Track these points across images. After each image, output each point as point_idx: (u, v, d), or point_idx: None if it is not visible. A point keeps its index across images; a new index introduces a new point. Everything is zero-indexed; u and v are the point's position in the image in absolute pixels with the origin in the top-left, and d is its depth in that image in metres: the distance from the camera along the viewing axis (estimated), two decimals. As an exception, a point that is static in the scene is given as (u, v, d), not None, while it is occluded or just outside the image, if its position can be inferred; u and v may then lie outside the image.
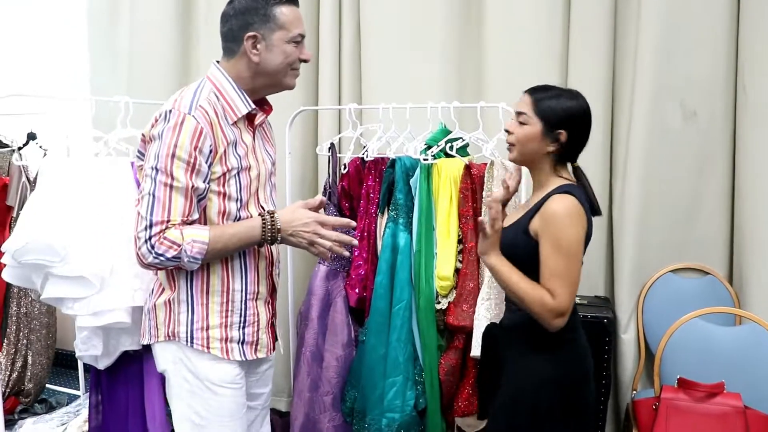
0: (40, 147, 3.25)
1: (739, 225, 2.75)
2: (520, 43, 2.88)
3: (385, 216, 2.58)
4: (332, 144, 2.80)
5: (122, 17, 3.62)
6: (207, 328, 1.84)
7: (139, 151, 1.87)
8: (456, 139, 2.58)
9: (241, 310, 1.88)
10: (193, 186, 1.70)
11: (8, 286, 3.28)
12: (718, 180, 2.78)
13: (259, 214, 1.82)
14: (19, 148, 3.25)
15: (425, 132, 2.61)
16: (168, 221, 1.68)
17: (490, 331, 2.08)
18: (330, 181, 2.76)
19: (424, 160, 2.49)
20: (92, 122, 2.79)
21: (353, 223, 1.88)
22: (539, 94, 1.85)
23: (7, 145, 3.37)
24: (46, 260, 2.35)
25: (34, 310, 3.41)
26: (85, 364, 3.38)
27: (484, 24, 2.97)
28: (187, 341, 1.84)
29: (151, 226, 1.68)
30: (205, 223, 1.79)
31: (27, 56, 4.23)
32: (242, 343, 1.88)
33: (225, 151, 1.77)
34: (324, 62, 3.20)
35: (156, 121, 1.76)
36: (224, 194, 1.79)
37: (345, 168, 2.74)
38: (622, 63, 2.83)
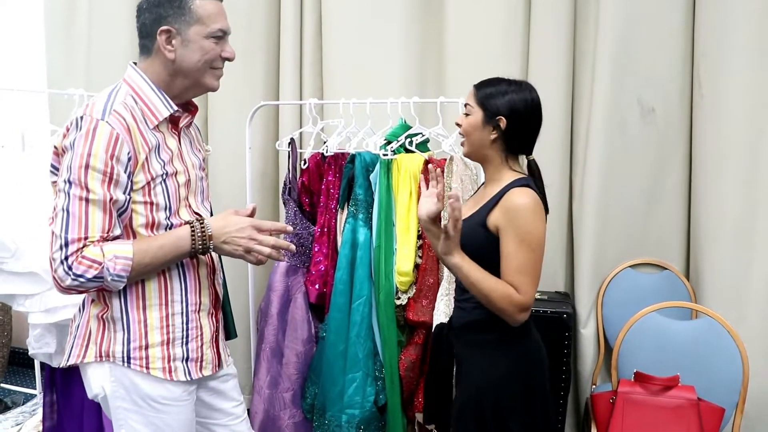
0: (-6, 140, 3.18)
1: (695, 221, 2.79)
2: (480, 39, 2.90)
3: (345, 211, 2.57)
4: (292, 139, 2.78)
5: (80, 8, 3.55)
6: (146, 347, 1.66)
7: (52, 165, 1.67)
8: (416, 135, 2.57)
9: (182, 324, 1.71)
10: (111, 198, 1.53)
11: (-39, 283, 3.21)
12: (676, 176, 2.82)
13: (187, 222, 1.66)
14: (-27, 142, 3.17)
15: (385, 127, 2.61)
16: (86, 238, 1.52)
17: (440, 331, 2.06)
18: (290, 176, 2.74)
19: (384, 155, 2.48)
20: (49, 116, 2.74)
21: (290, 228, 1.76)
22: (482, 85, 1.87)
23: (-40, 139, 3.30)
24: (-3, 256, 2.31)
25: (-12, 307, 3.34)
26: (41, 363, 3.31)
27: (444, 20, 2.98)
28: (123, 361, 1.66)
29: (66, 244, 1.51)
30: (134, 238, 1.63)
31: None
32: (186, 361, 1.72)
33: (147, 158, 1.61)
34: (285, 57, 3.18)
35: (67, 130, 1.58)
36: (151, 204, 1.62)
37: (305, 163, 2.72)
38: (582, 60, 2.86)
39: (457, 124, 1.91)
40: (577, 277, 2.93)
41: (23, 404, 3.46)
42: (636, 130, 2.79)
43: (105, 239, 1.55)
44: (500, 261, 1.75)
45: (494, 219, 1.78)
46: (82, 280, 1.51)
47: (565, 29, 2.81)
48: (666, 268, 2.86)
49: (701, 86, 2.69)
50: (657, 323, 2.45)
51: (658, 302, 2.48)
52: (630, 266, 2.89)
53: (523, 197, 1.75)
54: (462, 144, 1.91)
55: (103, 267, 1.52)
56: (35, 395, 3.56)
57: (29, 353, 2.51)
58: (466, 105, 1.88)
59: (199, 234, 1.63)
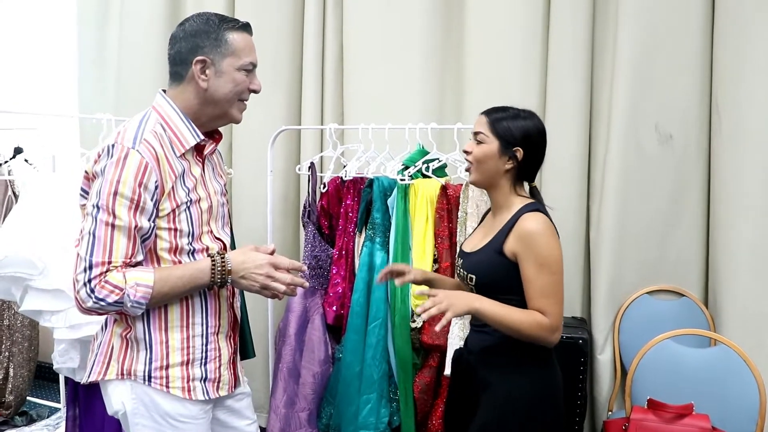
0: (26, 161, 3.29)
1: (714, 247, 2.78)
2: (498, 66, 2.93)
3: (363, 235, 2.61)
4: (312, 163, 2.84)
5: (111, 36, 3.68)
6: (167, 367, 1.72)
7: (82, 189, 1.73)
8: (433, 160, 2.62)
9: (202, 345, 1.77)
10: (136, 225, 1.59)
11: (-8, 298, 3.31)
12: (694, 203, 2.82)
13: (209, 255, 1.71)
14: (6, 162, 3.28)
15: (404, 152, 2.65)
16: (109, 263, 1.57)
17: (459, 356, 2.06)
18: (309, 199, 2.79)
19: (401, 180, 2.53)
20: (80, 139, 2.83)
21: (304, 267, 1.81)
22: (495, 114, 1.88)
23: (-7, 160, 3.42)
24: (25, 273, 2.39)
25: (17, 322, 3.43)
26: (65, 378, 3.39)
27: (463, 48, 3.03)
28: (144, 380, 1.71)
29: (90, 267, 1.56)
30: (157, 261, 1.69)
31: (19, 73, 4.27)
32: (205, 381, 1.77)
33: (173, 186, 1.66)
34: (307, 82, 3.25)
35: (99, 156, 1.63)
36: (175, 230, 1.68)
37: (325, 187, 2.77)
38: (600, 87, 2.88)
39: (466, 152, 1.92)
40: (593, 303, 2.92)
41: (48, 417, 3.54)
42: (654, 155, 2.80)
43: (128, 265, 1.60)
44: (523, 287, 1.79)
45: (511, 246, 1.81)
46: (103, 303, 1.57)
47: (583, 55, 2.83)
48: (684, 295, 2.85)
49: (719, 112, 2.69)
50: (672, 350, 2.45)
51: (675, 329, 2.48)
52: (647, 292, 2.88)
53: (536, 222, 1.79)
54: (468, 170, 1.93)
55: (124, 293, 1.57)
56: (59, 409, 3.64)
57: (54, 367, 2.58)
58: (478, 133, 1.88)
59: (219, 268, 1.67)
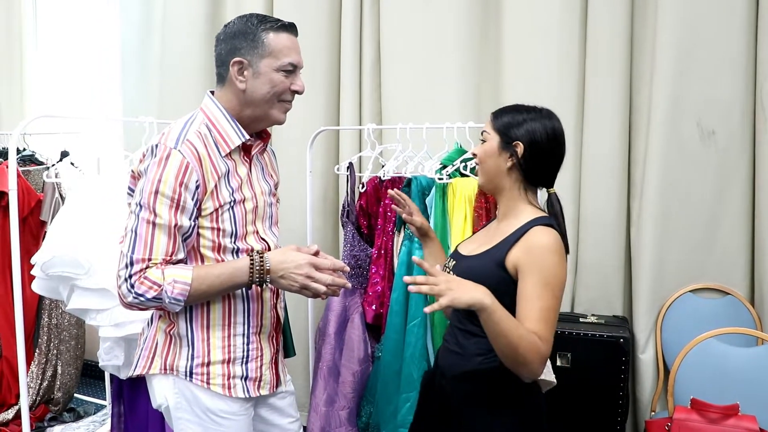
0: (72, 164, 3.37)
1: (759, 244, 2.72)
2: (536, 64, 2.92)
3: (402, 234, 2.62)
4: (350, 163, 2.86)
5: (153, 40, 3.76)
6: (208, 364, 1.75)
7: (129, 188, 1.76)
8: (471, 159, 2.61)
9: (243, 344, 1.79)
10: (176, 224, 1.62)
11: (40, 298, 3.40)
12: (738, 199, 2.76)
13: (248, 254, 1.70)
14: (53, 165, 3.36)
15: (442, 152, 2.65)
16: (149, 259, 1.60)
17: (430, 380, 1.86)
18: (348, 199, 2.81)
19: (440, 179, 2.53)
20: (124, 142, 2.90)
21: (347, 268, 1.78)
22: (501, 112, 1.77)
23: (42, 163, 3.51)
24: (72, 273, 2.45)
25: (64, 321, 3.51)
26: (111, 375, 3.47)
27: (500, 46, 3.02)
28: (186, 376, 1.75)
29: (131, 264, 1.60)
30: (201, 260, 1.72)
31: (64, 77, 4.39)
32: (245, 379, 1.80)
33: (216, 186, 1.68)
34: (345, 83, 3.28)
35: (144, 156, 1.68)
36: (218, 229, 1.70)
37: (363, 187, 2.79)
38: (639, 83, 2.84)
39: (473, 154, 1.82)
40: (635, 302, 2.89)
41: (94, 414, 3.62)
42: (696, 151, 2.75)
43: (168, 262, 1.63)
44: (518, 304, 1.59)
45: (514, 258, 1.63)
46: (142, 299, 1.61)
47: (621, 50, 2.80)
48: (729, 294, 2.80)
49: (764, 108, 2.64)
50: (717, 349, 2.41)
51: (720, 328, 2.44)
52: (691, 291, 2.83)
53: (548, 237, 1.62)
54: (477, 174, 1.84)
55: (162, 289, 1.60)
56: (105, 406, 3.72)
57: (99, 365, 2.64)
58: (483, 132, 1.78)
59: (258, 267, 1.67)
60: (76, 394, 3.79)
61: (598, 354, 2.64)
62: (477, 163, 1.81)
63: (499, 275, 1.64)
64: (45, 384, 3.50)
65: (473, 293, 1.46)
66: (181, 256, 1.67)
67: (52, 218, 3.31)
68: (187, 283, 1.62)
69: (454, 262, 1.82)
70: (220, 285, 1.67)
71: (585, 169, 2.90)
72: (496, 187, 1.78)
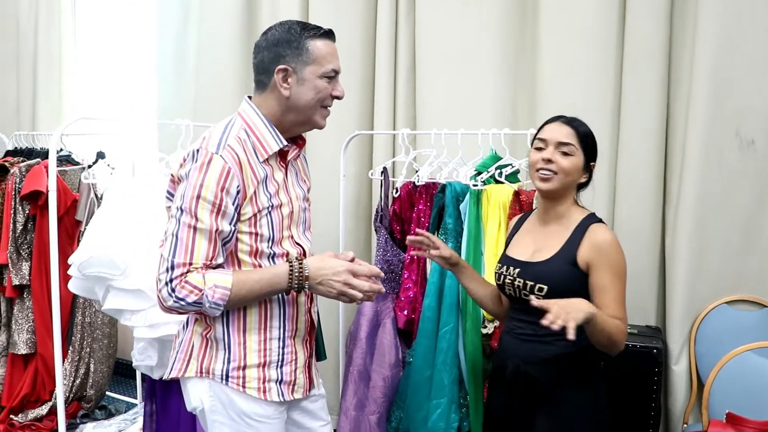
0: (108, 165, 3.41)
1: (798, 257, 2.69)
2: (572, 72, 2.90)
3: (435, 240, 2.61)
4: (384, 168, 2.86)
5: (189, 43, 3.80)
6: (244, 368, 1.76)
7: (168, 192, 1.79)
8: (506, 166, 2.60)
9: (279, 348, 1.80)
10: (217, 229, 1.63)
11: (74, 296, 3.44)
12: (777, 210, 2.73)
13: (288, 260, 1.72)
14: (89, 166, 3.41)
15: (476, 158, 2.65)
16: (190, 264, 1.62)
17: (517, 369, 1.95)
18: (382, 204, 2.81)
19: (474, 185, 2.53)
20: (159, 144, 2.93)
21: (382, 274, 1.80)
22: (575, 124, 1.90)
23: (78, 163, 3.57)
24: (108, 273, 2.48)
25: (98, 320, 3.56)
26: (142, 374, 3.51)
27: (537, 52, 3.01)
28: (222, 379, 1.76)
29: (172, 268, 1.61)
30: (238, 264, 1.73)
31: (102, 79, 4.46)
32: (280, 383, 1.81)
33: (255, 191, 1.70)
34: (380, 88, 3.29)
35: (184, 160, 1.69)
36: (256, 234, 1.72)
37: (397, 192, 2.79)
38: (677, 90, 2.81)
39: (548, 160, 1.88)
40: (669, 312, 2.86)
41: (125, 412, 3.67)
42: (734, 162, 2.72)
43: (208, 267, 1.64)
44: (595, 295, 1.81)
45: (584, 256, 1.84)
46: (182, 303, 1.61)
47: (659, 60, 2.77)
48: (766, 306, 2.76)
49: (805, 118, 2.60)
50: (753, 363, 2.37)
51: (756, 341, 2.40)
52: (726, 302, 2.80)
53: (609, 233, 1.85)
54: (547, 179, 1.88)
55: (203, 294, 1.61)
56: (136, 404, 3.77)
57: (132, 365, 2.67)
58: (564, 144, 1.87)
59: (297, 274, 1.69)
60: (107, 392, 3.84)
61: (630, 364, 2.61)
62: (553, 171, 1.88)
63: (574, 272, 1.84)
64: (78, 381, 3.54)
65: (585, 309, 1.65)
66: (220, 260, 1.68)
67: (88, 218, 3.36)
68: (227, 288, 1.63)
69: (518, 269, 1.94)
70: (260, 290, 1.68)
71: (620, 177, 2.88)
72: (561, 196, 1.93)
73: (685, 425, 2.77)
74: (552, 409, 1.89)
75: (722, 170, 2.72)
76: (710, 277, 2.79)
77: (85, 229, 3.29)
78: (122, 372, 4.26)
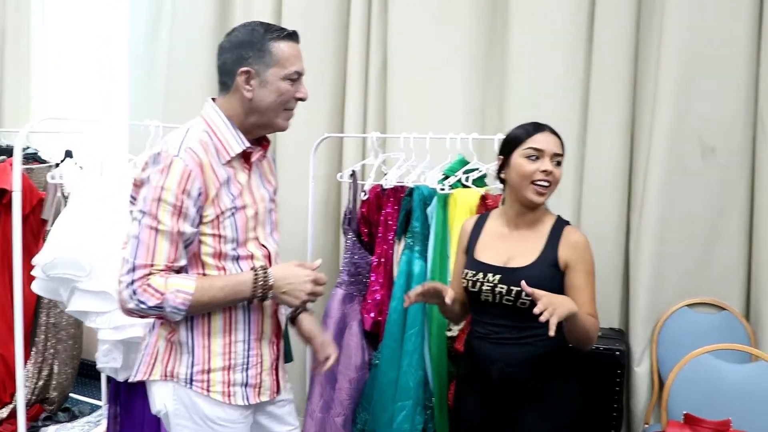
0: (77, 164, 3.37)
1: (756, 261, 2.75)
2: (541, 79, 2.94)
3: (402, 243, 2.63)
4: (353, 171, 2.87)
5: (160, 43, 3.78)
6: (208, 371, 1.75)
7: (131, 196, 1.78)
8: (473, 170, 2.63)
9: (244, 351, 1.79)
10: (179, 231, 1.62)
11: (39, 297, 3.39)
12: (737, 216, 2.79)
13: (252, 269, 1.73)
14: (56, 165, 3.37)
15: (444, 162, 2.67)
16: (152, 265, 1.61)
17: (501, 370, 1.96)
18: (350, 207, 2.83)
19: (441, 189, 2.55)
20: (128, 144, 2.92)
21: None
22: (557, 133, 1.97)
23: (45, 161, 3.52)
24: (73, 275, 2.46)
25: (62, 321, 3.51)
26: (107, 376, 3.47)
27: (506, 59, 3.05)
28: (186, 383, 1.75)
29: (134, 269, 1.60)
30: (202, 266, 1.72)
31: (72, 79, 4.40)
32: (245, 386, 1.79)
33: (217, 193, 1.69)
34: (350, 90, 3.30)
35: (146, 164, 1.69)
36: (219, 236, 1.71)
37: (365, 195, 2.81)
38: (642, 99, 2.87)
39: (549, 172, 1.90)
40: (631, 315, 2.91)
41: (89, 414, 3.63)
42: (696, 168, 2.78)
43: (170, 269, 1.64)
44: (571, 294, 1.88)
45: (563, 256, 1.92)
46: (143, 306, 1.61)
47: (625, 68, 2.83)
48: (725, 309, 2.82)
49: (764, 126, 2.66)
50: (711, 365, 2.42)
51: (715, 343, 2.46)
52: (687, 305, 2.85)
53: (583, 234, 1.96)
54: (543, 193, 1.92)
55: (164, 298, 1.60)
56: (100, 406, 3.73)
57: (97, 366, 2.65)
58: (559, 155, 1.94)
59: (261, 283, 1.69)
60: (71, 394, 3.79)
61: (594, 366, 2.65)
62: (551, 182, 1.92)
63: (554, 273, 1.92)
64: (41, 383, 3.49)
65: (569, 306, 1.72)
66: (182, 262, 1.67)
67: (54, 217, 3.31)
68: (189, 293, 1.63)
69: (499, 275, 1.95)
70: (223, 297, 1.69)
71: (586, 183, 2.93)
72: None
73: (647, 425, 2.82)
74: (540, 404, 1.94)
75: (685, 177, 2.78)
76: (672, 280, 2.85)
77: (50, 228, 3.25)
78: (87, 373, 4.19)
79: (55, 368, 3.53)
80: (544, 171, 1.90)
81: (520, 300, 1.89)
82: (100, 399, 3.82)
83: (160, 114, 3.52)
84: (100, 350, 2.57)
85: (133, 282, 1.60)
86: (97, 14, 4.28)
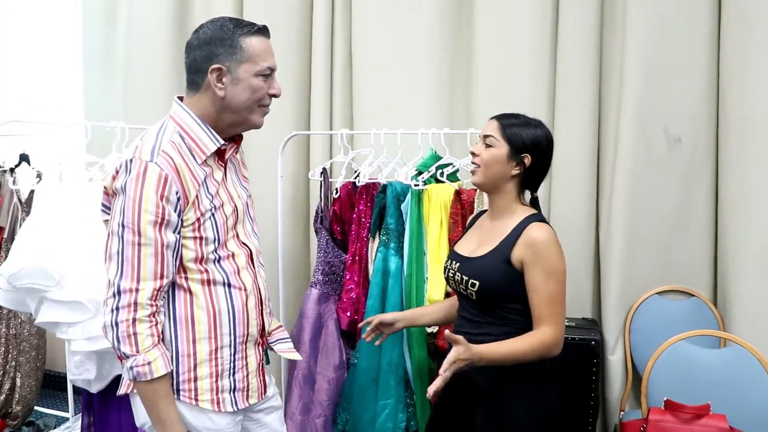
0: (33, 169, 3.26)
1: (722, 248, 2.80)
2: (508, 71, 2.95)
3: (377, 240, 2.61)
4: (324, 169, 2.84)
5: (117, 41, 3.67)
6: (195, 380, 1.71)
7: (103, 204, 1.73)
8: (446, 165, 2.62)
9: (230, 355, 1.75)
10: (163, 243, 1.57)
11: (-1, 307, 3.28)
12: (702, 204, 2.84)
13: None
14: (11, 170, 3.25)
15: (416, 158, 2.66)
16: (137, 290, 1.56)
17: (458, 382, 1.88)
18: (322, 205, 2.79)
19: (415, 185, 2.53)
20: (86, 147, 2.82)
21: None
22: (506, 119, 1.92)
23: (-1, 166, 3.39)
24: (41, 284, 2.37)
25: (24, 331, 3.39)
26: (75, 386, 3.37)
27: (472, 53, 3.04)
28: (173, 393, 1.69)
29: (119, 293, 1.56)
30: (184, 271, 1.67)
31: (25, 80, 4.24)
32: (233, 391, 1.77)
33: (197, 195, 1.65)
34: (316, 87, 3.26)
35: (117, 172, 1.61)
36: (200, 238, 1.66)
37: (337, 192, 2.77)
38: (608, 90, 2.90)
39: (473, 153, 1.94)
40: (604, 304, 2.94)
41: (55, 427, 3.52)
42: (662, 158, 2.82)
43: (159, 292, 1.60)
44: (528, 295, 1.82)
45: (518, 254, 1.83)
46: (116, 343, 1.58)
47: (591, 60, 2.85)
48: (694, 295, 2.88)
49: (726, 117, 2.72)
50: (686, 351, 2.47)
51: (686, 329, 2.51)
52: (657, 293, 2.90)
53: (545, 232, 1.83)
54: (473, 172, 1.95)
55: (136, 357, 1.58)
56: (67, 418, 3.61)
57: (68, 379, 2.57)
58: (488, 137, 1.91)
59: None
60: (36, 407, 3.67)
61: (570, 356, 2.65)
62: (477, 163, 1.93)
63: (507, 271, 1.84)
64: (2, 397, 3.37)
65: (470, 357, 1.70)
66: (170, 277, 1.63)
67: (10, 224, 3.20)
68: (153, 376, 1.60)
69: (458, 264, 1.97)
70: (159, 410, 1.65)
71: (555, 174, 2.94)
72: (495, 188, 1.94)
73: (622, 412, 2.86)
74: (492, 410, 1.90)
75: (652, 166, 2.82)
76: (642, 268, 2.89)
77: (6, 235, 3.14)
78: (51, 385, 4.08)
79: (18, 381, 3.41)
80: (471, 153, 1.96)
81: (468, 290, 1.90)
82: (66, 410, 3.70)
83: (118, 114, 3.43)
84: (71, 362, 2.48)
85: (118, 309, 1.56)
86: (52, 13, 4.13)
